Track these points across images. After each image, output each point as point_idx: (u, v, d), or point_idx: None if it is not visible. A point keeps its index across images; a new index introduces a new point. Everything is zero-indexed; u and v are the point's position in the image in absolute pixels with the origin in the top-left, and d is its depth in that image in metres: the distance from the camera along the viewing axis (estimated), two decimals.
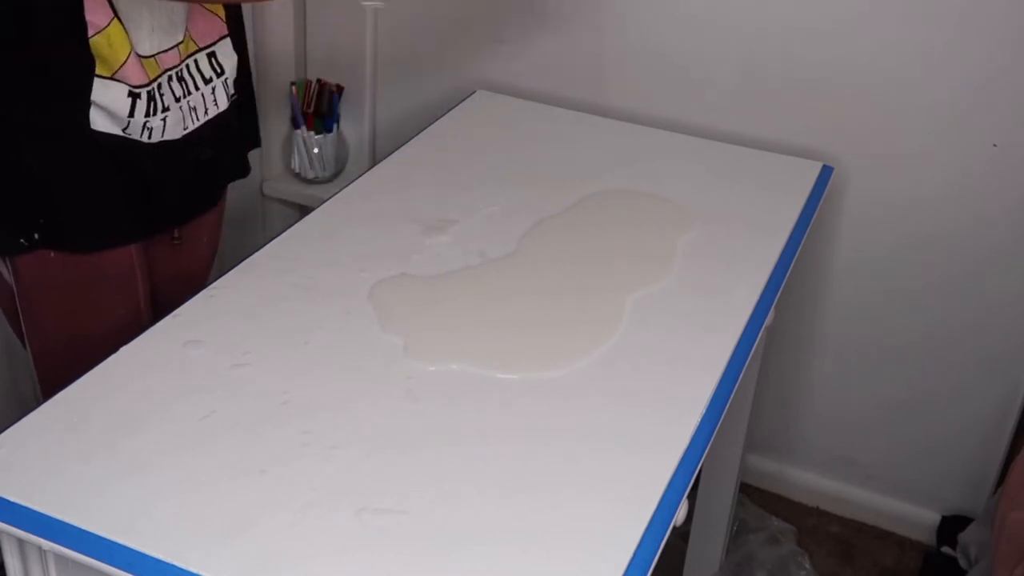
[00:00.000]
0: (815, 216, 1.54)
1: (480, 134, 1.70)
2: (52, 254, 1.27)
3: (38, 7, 1.16)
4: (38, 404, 1.05)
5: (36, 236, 1.25)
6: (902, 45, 1.68)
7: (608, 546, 0.93)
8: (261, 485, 0.97)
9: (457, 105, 1.82)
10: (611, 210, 1.49)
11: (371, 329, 1.20)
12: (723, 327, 1.24)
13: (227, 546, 0.90)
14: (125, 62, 1.21)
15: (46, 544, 0.91)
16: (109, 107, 1.22)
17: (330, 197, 1.48)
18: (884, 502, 2.04)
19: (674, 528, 0.98)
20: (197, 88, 1.34)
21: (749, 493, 2.09)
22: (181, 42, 1.30)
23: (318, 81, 2.09)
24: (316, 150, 2.10)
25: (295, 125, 2.10)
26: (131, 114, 1.24)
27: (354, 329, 1.20)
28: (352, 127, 2.14)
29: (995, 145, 1.69)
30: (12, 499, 0.93)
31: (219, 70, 1.37)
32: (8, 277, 1.33)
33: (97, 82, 1.20)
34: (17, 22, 1.16)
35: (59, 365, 1.21)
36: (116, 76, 1.21)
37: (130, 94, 1.23)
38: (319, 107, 2.09)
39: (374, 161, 2.08)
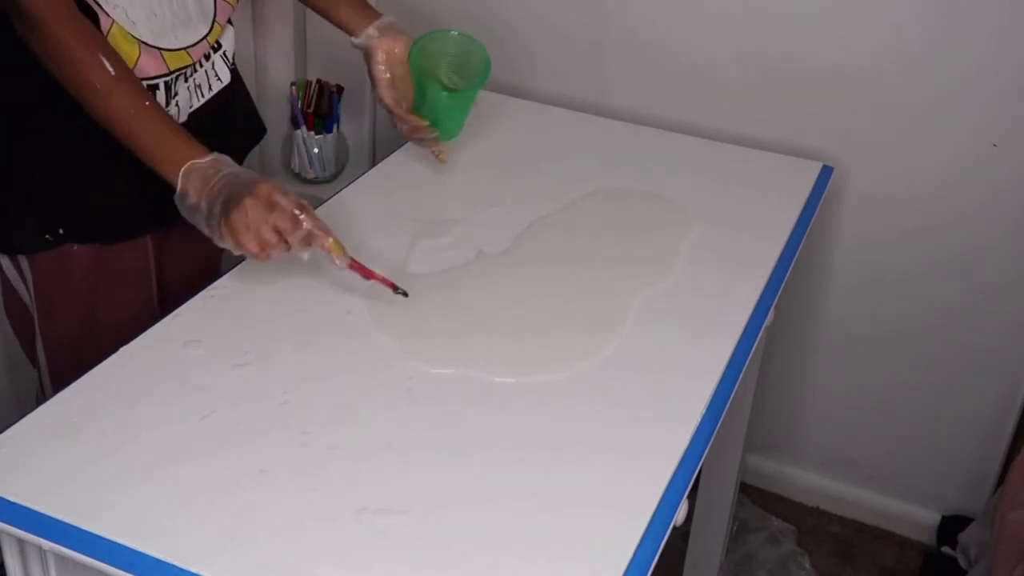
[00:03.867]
0: (815, 216, 1.54)
1: (480, 134, 1.70)
2: (75, 247, 1.29)
3: None
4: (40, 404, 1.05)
5: (60, 231, 1.28)
6: (902, 45, 1.68)
7: (608, 546, 0.93)
8: (261, 485, 0.97)
9: None
10: (611, 210, 1.49)
11: (371, 330, 1.20)
12: (723, 327, 1.24)
13: (227, 546, 0.90)
14: (138, 59, 1.25)
15: (46, 544, 0.91)
16: None
17: (330, 197, 1.48)
18: (884, 502, 2.04)
19: (674, 528, 0.98)
20: (201, 65, 1.36)
21: (749, 493, 2.09)
22: (210, 32, 1.34)
23: (318, 81, 2.09)
24: (316, 150, 2.10)
25: (295, 125, 2.10)
26: None
27: (354, 330, 1.20)
28: (352, 127, 2.14)
29: (995, 145, 1.69)
30: (12, 499, 0.93)
31: (216, 45, 1.38)
32: (22, 284, 1.34)
33: None
34: None
35: (74, 365, 1.21)
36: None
37: (148, 87, 1.26)
38: (319, 107, 2.09)
39: (374, 161, 2.08)
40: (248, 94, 1.57)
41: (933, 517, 2.00)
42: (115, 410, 1.04)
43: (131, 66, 1.24)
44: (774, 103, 1.79)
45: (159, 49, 1.27)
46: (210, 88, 1.39)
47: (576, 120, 1.78)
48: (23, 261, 1.32)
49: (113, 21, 1.22)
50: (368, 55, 1.47)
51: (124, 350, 1.11)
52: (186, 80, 1.33)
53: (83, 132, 1.23)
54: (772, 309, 1.32)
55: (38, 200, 1.28)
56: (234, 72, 1.46)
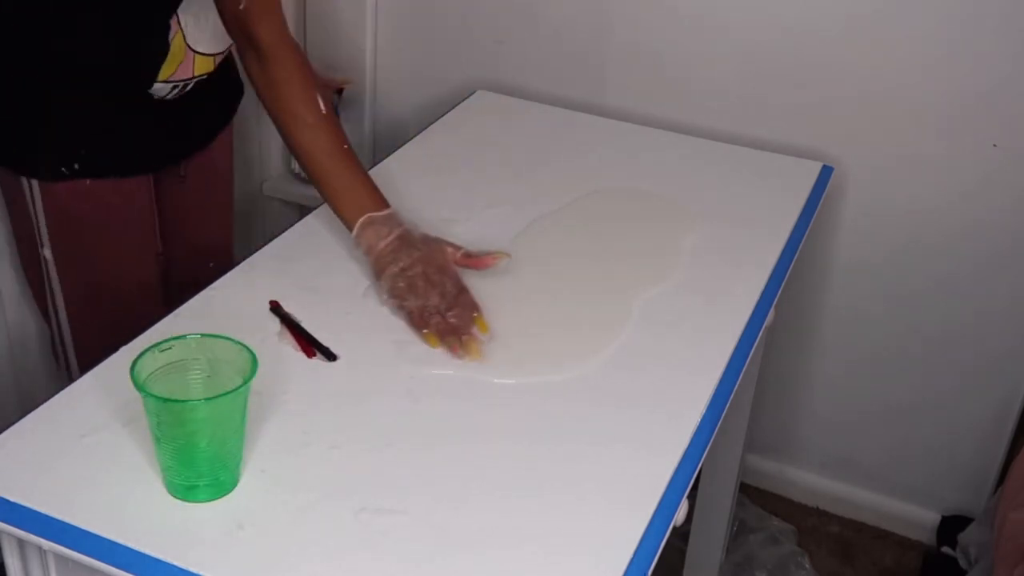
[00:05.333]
0: (815, 216, 1.54)
1: (480, 134, 1.70)
2: (88, 182, 1.39)
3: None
4: (42, 399, 1.05)
5: (76, 166, 1.37)
6: (902, 45, 1.68)
7: (608, 546, 0.93)
8: (261, 485, 0.97)
9: (457, 105, 1.82)
10: (611, 210, 1.49)
11: (371, 329, 1.20)
12: (723, 327, 1.24)
13: (227, 546, 0.90)
14: (181, 62, 1.38)
15: (46, 544, 0.91)
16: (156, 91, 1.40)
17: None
18: (884, 502, 2.04)
19: (674, 528, 0.98)
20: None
21: (749, 493, 2.09)
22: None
23: None
24: None
25: None
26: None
27: (354, 329, 1.20)
28: (352, 127, 2.14)
29: (995, 145, 1.69)
30: (12, 499, 0.93)
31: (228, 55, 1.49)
32: (34, 217, 1.41)
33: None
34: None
35: (89, 302, 1.37)
36: (171, 79, 1.39)
37: (174, 86, 1.41)
38: None
39: (374, 161, 2.08)
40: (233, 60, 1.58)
41: (933, 517, 2.00)
42: (115, 410, 1.04)
43: (175, 67, 1.37)
44: (774, 103, 1.79)
45: (196, 53, 1.39)
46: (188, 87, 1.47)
47: (576, 120, 1.78)
48: (36, 191, 1.39)
49: (180, 29, 1.35)
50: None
51: (124, 349, 1.11)
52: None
53: (105, 99, 1.36)
54: (772, 309, 1.32)
55: (56, 134, 1.37)
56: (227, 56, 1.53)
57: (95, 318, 1.46)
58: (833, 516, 2.08)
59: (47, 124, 1.37)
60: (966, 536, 1.85)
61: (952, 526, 1.93)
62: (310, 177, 1.31)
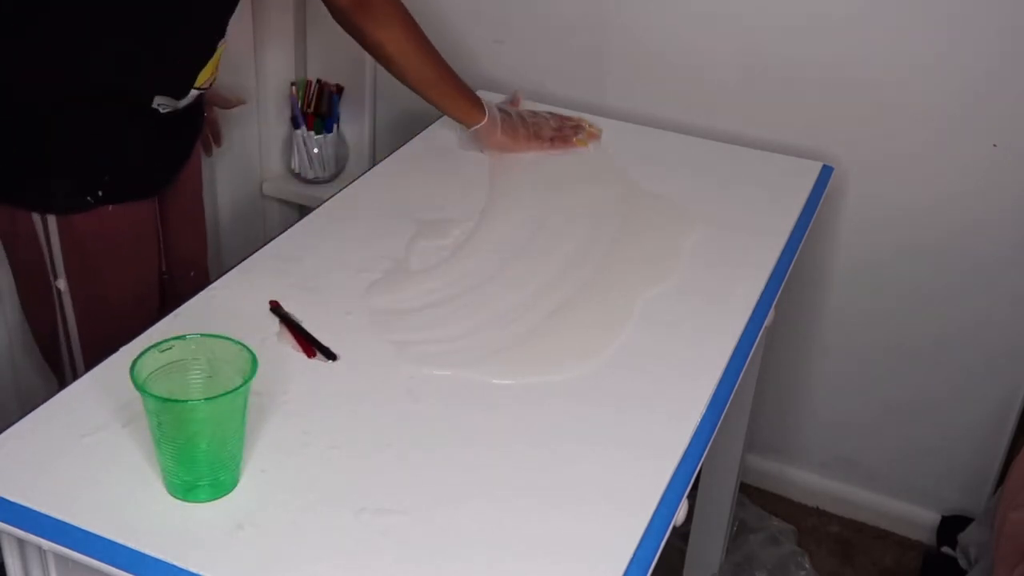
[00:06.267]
0: (815, 216, 1.54)
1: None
2: (111, 208, 1.39)
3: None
4: (48, 395, 1.05)
5: (100, 193, 1.38)
6: (902, 44, 1.68)
7: (608, 546, 0.93)
8: (261, 485, 0.97)
9: None
10: (611, 211, 1.49)
11: (371, 329, 1.20)
12: (723, 327, 1.24)
13: (227, 546, 0.91)
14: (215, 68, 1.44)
15: (46, 544, 0.91)
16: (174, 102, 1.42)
17: (330, 197, 1.48)
18: (884, 502, 2.04)
19: (674, 528, 0.98)
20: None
21: (749, 493, 2.09)
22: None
23: (318, 81, 2.09)
24: (316, 150, 2.10)
25: (295, 125, 2.10)
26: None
27: (354, 329, 1.20)
28: (352, 127, 2.14)
29: (995, 145, 1.69)
30: (12, 499, 0.93)
31: None
32: (47, 250, 1.39)
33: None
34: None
35: (103, 319, 1.38)
36: (202, 85, 1.43)
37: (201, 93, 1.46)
38: (319, 107, 2.09)
39: (374, 161, 2.08)
40: None
41: (933, 517, 2.00)
42: (115, 410, 1.04)
43: (209, 73, 1.43)
44: (774, 103, 1.79)
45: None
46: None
47: None
48: (52, 224, 1.37)
49: (225, 38, 1.42)
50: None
51: (124, 349, 1.11)
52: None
53: (131, 119, 1.38)
54: (772, 309, 1.32)
55: (78, 163, 1.37)
56: None
57: (107, 343, 1.32)
58: (833, 516, 2.08)
59: (73, 156, 1.36)
60: (966, 536, 1.85)
61: (952, 526, 1.93)
62: (433, 96, 1.59)
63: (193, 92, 1.42)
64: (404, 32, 1.54)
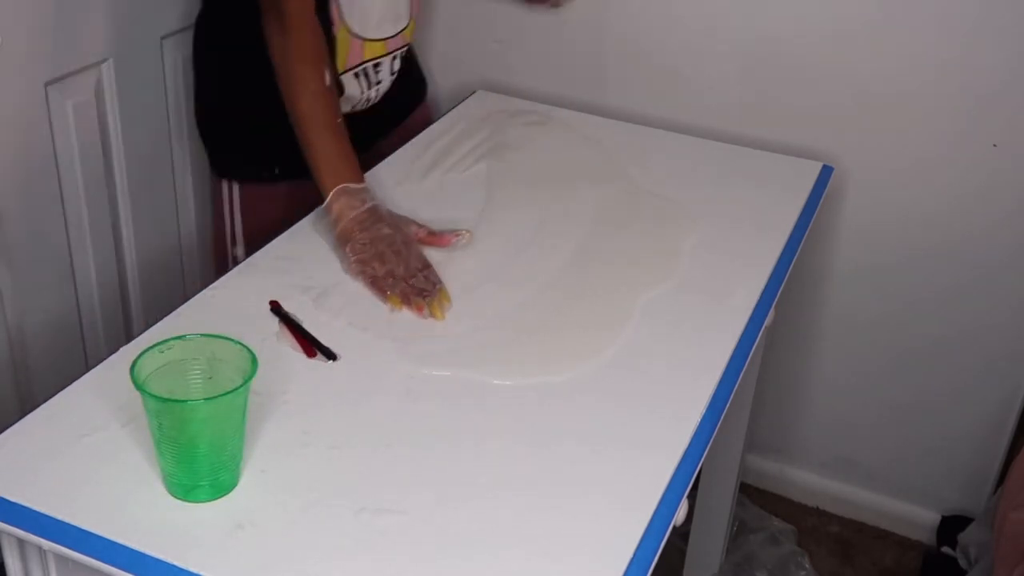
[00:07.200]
0: (815, 216, 1.54)
1: (480, 134, 1.70)
2: (285, 184, 1.55)
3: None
4: (42, 399, 1.05)
5: (276, 170, 1.55)
6: (902, 45, 1.68)
7: (608, 546, 0.93)
8: (261, 485, 0.97)
9: (457, 105, 1.82)
10: (612, 211, 1.49)
11: (371, 329, 1.20)
12: (723, 327, 1.24)
13: (227, 546, 0.90)
14: (349, 52, 1.50)
15: (46, 544, 0.91)
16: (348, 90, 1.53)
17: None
18: (884, 502, 2.04)
19: (674, 528, 0.98)
20: (394, 58, 1.60)
21: (749, 493, 2.09)
22: (406, 27, 1.57)
23: None
24: None
25: None
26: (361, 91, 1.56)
27: (354, 329, 1.20)
28: None
29: (995, 145, 1.69)
30: (12, 499, 0.93)
31: (405, 44, 1.62)
32: (229, 210, 1.57)
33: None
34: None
35: None
36: (348, 67, 1.51)
37: (355, 75, 1.54)
38: None
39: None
40: (416, 59, 1.75)
41: (933, 517, 2.00)
42: (116, 409, 1.04)
43: (345, 56, 1.49)
44: (774, 103, 1.79)
45: (364, 40, 1.51)
46: (379, 81, 1.59)
47: (577, 120, 1.78)
48: (235, 192, 1.56)
49: (343, 25, 1.46)
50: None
51: (124, 349, 1.11)
52: (392, 74, 1.59)
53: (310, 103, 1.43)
54: (772, 309, 1.32)
55: (263, 139, 1.52)
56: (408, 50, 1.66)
57: None
58: (833, 516, 2.08)
59: (260, 132, 1.52)
60: (966, 536, 1.85)
61: (952, 526, 1.93)
62: (301, 142, 1.38)
63: (348, 77, 1.51)
64: (302, 64, 1.39)
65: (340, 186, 1.34)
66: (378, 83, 1.59)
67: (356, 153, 1.40)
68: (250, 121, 1.55)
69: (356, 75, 1.54)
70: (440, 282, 1.28)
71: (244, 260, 1.37)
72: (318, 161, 1.36)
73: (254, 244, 1.43)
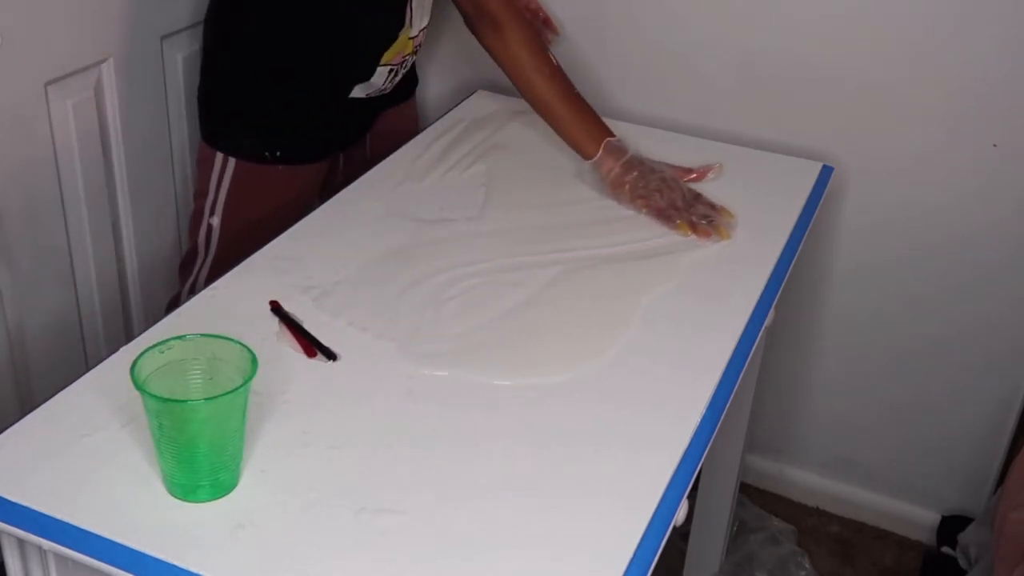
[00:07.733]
0: (815, 216, 1.54)
1: (480, 134, 1.70)
2: (282, 168, 1.59)
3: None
4: (42, 399, 1.05)
5: (278, 153, 1.58)
6: (902, 44, 1.68)
7: (608, 546, 0.93)
8: (261, 485, 0.97)
9: (457, 105, 1.82)
10: (612, 211, 1.49)
11: (371, 329, 1.20)
12: (723, 327, 1.24)
13: (227, 546, 0.90)
14: (400, 50, 1.58)
15: (46, 544, 0.91)
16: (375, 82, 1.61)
17: (331, 197, 1.48)
18: (884, 502, 2.04)
19: (674, 528, 0.98)
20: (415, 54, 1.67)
21: (749, 493, 2.09)
22: (426, 24, 1.63)
23: None
24: None
25: None
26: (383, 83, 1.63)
27: (354, 329, 1.20)
28: None
29: (995, 145, 1.69)
30: (12, 499, 0.93)
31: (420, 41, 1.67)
32: (217, 180, 1.59)
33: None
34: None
35: (236, 253, 1.41)
36: (390, 62, 1.58)
37: (390, 69, 1.61)
38: None
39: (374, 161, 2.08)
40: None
41: (933, 517, 2.00)
42: (116, 409, 1.04)
43: (395, 53, 1.57)
44: (774, 103, 1.79)
45: (410, 39, 1.59)
46: (399, 75, 1.66)
47: None
48: (229, 167, 1.58)
49: (410, 27, 1.55)
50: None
51: (124, 349, 1.11)
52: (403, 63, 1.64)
53: (322, 99, 1.58)
54: (772, 309, 1.32)
55: (268, 127, 1.58)
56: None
57: (238, 256, 1.40)
58: (833, 516, 2.08)
59: (267, 116, 1.57)
60: (966, 536, 1.85)
61: (952, 526, 1.93)
62: (548, 119, 1.56)
63: (381, 70, 1.58)
64: (527, 52, 1.55)
65: (605, 143, 1.51)
66: (397, 77, 1.65)
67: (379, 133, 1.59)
68: (261, 101, 1.57)
69: (390, 69, 1.60)
70: (719, 204, 1.45)
71: (218, 231, 1.55)
72: (573, 128, 1.53)
73: (233, 218, 1.58)
